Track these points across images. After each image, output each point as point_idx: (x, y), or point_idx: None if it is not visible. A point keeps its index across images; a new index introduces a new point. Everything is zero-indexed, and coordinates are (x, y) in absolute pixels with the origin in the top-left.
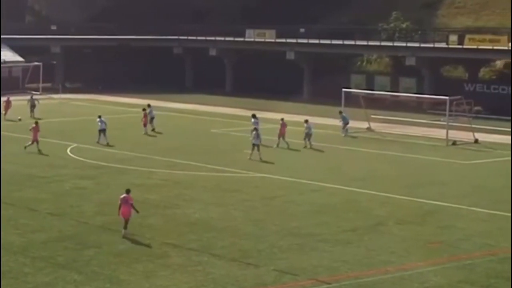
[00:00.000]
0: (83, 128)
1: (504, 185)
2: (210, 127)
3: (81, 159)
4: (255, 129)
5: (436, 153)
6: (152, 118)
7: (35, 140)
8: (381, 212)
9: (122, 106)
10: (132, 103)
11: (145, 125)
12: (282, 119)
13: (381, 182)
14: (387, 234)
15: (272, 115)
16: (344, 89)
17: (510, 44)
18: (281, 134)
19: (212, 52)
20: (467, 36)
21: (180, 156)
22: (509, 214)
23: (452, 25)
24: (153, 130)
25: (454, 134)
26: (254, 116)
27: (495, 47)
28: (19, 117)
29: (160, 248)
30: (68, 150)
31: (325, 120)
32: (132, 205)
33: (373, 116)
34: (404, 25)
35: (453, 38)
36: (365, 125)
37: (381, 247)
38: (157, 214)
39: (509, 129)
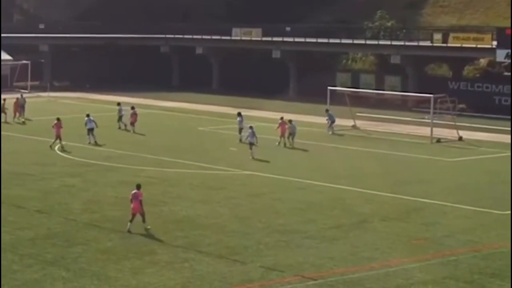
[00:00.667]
0: (71, 126)
1: (488, 182)
2: (197, 125)
3: (69, 157)
4: (250, 127)
5: (420, 151)
6: (120, 117)
7: (58, 137)
8: (366, 209)
9: (109, 104)
10: (120, 101)
11: (132, 123)
12: (282, 118)
13: (366, 179)
14: (372, 231)
15: (258, 113)
16: (329, 87)
17: (494, 43)
18: (283, 132)
19: (199, 51)
20: (451, 35)
21: (167, 154)
22: (493, 211)
23: (436, 24)
24: (123, 128)
25: (439, 132)
26: (239, 114)
27: (479, 46)
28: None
29: (147, 245)
30: (56, 148)
31: (311, 118)
32: (140, 201)
33: (358, 114)
34: (389, 24)
35: (438, 36)
36: (350, 123)
37: (366, 244)
38: (146, 212)
39: (493, 127)
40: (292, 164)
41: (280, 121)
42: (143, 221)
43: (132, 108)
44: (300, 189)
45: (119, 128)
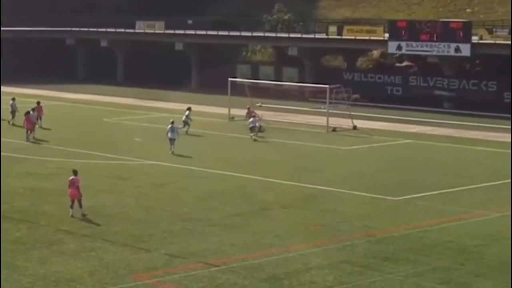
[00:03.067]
0: None
1: (382, 169)
2: (102, 117)
3: None
4: (172, 122)
5: (317, 140)
6: (13, 112)
7: (28, 129)
8: (266, 197)
9: (17, 96)
10: (27, 93)
11: (39, 117)
12: (249, 108)
13: (266, 168)
14: (272, 218)
15: (162, 104)
16: (230, 79)
17: (386, 35)
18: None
19: (104, 43)
20: (346, 27)
21: (74, 145)
22: (386, 197)
23: (331, 17)
24: (12, 124)
25: (334, 121)
26: (189, 109)
27: (371, 38)
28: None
29: (54, 234)
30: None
31: (212, 109)
32: (77, 187)
33: (258, 105)
34: (286, 17)
35: (333, 29)
36: None
37: (267, 231)
38: (52, 202)
39: (385, 116)
40: (195, 154)
41: (247, 110)
42: (80, 206)
43: (38, 103)
44: (203, 178)
45: (8, 123)
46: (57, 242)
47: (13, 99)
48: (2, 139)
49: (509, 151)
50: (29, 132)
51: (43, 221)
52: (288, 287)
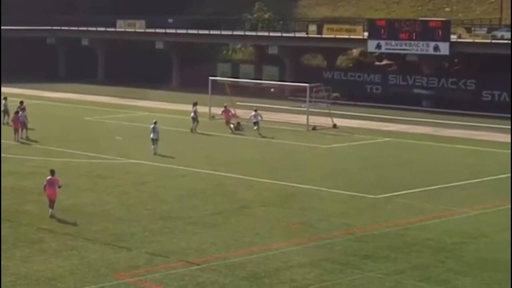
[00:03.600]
0: None
1: (361, 167)
2: (83, 115)
3: None
4: (155, 122)
5: (297, 138)
6: (6, 111)
7: (16, 129)
8: (246, 195)
9: None
10: (8, 92)
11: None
12: (225, 106)
13: (246, 166)
14: (252, 216)
15: (142, 103)
16: (210, 77)
17: (365, 34)
18: (227, 120)
19: (85, 42)
20: (326, 26)
21: (55, 143)
22: (366, 195)
23: (311, 16)
24: (6, 123)
25: (314, 120)
26: (195, 104)
27: (351, 36)
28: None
29: (36, 233)
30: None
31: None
32: (57, 187)
33: (238, 103)
34: (266, 16)
35: (313, 28)
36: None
37: (247, 229)
38: (33, 201)
39: (365, 115)
40: (174, 152)
41: (223, 108)
42: (51, 207)
43: (21, 102)
44: (183, 176)
45: (2, 123)
46: (38, 241)
47: (5, 98)
48: None
49: (484, 149)
50: (17, 132)
51: (24, 220)
52: (268, 286)
